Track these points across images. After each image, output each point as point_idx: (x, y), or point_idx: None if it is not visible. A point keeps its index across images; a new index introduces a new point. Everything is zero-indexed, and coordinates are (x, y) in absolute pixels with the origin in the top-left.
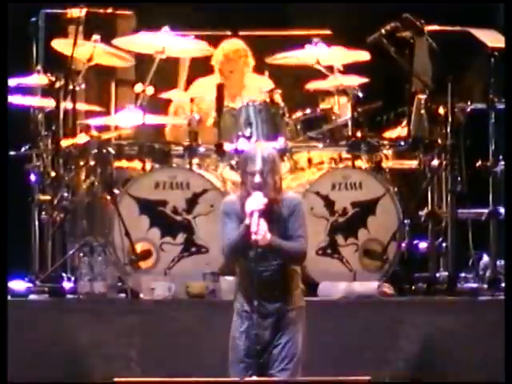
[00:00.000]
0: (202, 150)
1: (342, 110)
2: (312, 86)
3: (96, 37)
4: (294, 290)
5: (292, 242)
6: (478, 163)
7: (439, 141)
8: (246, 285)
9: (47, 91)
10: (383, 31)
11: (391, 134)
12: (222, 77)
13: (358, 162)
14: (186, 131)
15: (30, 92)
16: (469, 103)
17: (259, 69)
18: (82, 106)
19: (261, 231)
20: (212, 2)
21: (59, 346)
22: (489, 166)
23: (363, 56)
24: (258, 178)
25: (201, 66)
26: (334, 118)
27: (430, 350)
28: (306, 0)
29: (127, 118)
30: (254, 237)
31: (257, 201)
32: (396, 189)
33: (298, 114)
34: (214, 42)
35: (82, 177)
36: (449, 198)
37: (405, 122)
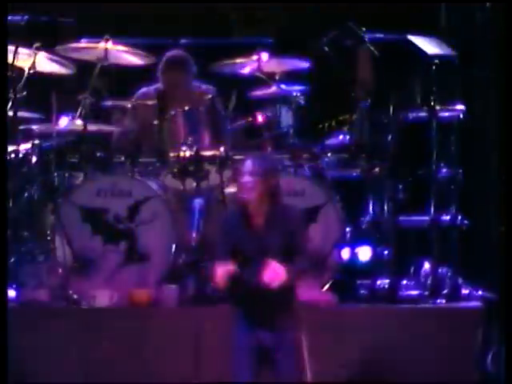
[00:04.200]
0: (144, 157)
1: (284, 117)
2: (254, 93)
3: (37, 44)
4: (296, 308)
5: (297, 264)
6: (420, 171)
7: (381, 148)
8: (247, 301)
9: None
10: (325, 39)
11: (333, 141)
12: (165, 86)
13: (300, 170)
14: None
15: None
16: (410, 111)
17: (202, 77)
18: (23, 114)
19: (276, 276)
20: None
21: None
22: (430, 173)
23: (304, 64)
24: (246, 179)
25: (144, 75)
26: (275, 125)
27: (371, 358)
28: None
29: (68, 126)
30: (267, 280)
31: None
32: (338, 196)
33: (240, 121)
34: (157, 50)
35: (23, 184)
36: (390, 206)
37: (347, 130)
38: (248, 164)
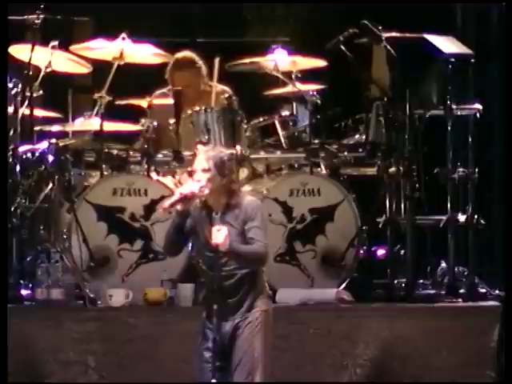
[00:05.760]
0: (160, 156)
1: (301, 116)
2: (270, 92)
3: (54, 43)
4: (256, 295)
5: (250, 245)
6: (436, 170)
7: (397, 147)
8: (206, 289)
9: None
10: (341, 38)
11: (349, 140)
12: (174, 87)
13: (317, 169)
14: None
15: None
16: (426, 110)
17: (218, 76)
18: (39, 113)
19: (221, 236)
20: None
21: (16, 352)
22: (447, 172)
23: (321, 62)
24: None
25: (160, 74)
26: (292, 124)
27: (388, 357)
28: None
29: (85, 125)
30: (214, 241)
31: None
32: (354, 195)
33: (257, 120)
34: (173, 49)
35: (40, 183)
36: (407, 205)
37: (363, 129)
38: (198, 161)
